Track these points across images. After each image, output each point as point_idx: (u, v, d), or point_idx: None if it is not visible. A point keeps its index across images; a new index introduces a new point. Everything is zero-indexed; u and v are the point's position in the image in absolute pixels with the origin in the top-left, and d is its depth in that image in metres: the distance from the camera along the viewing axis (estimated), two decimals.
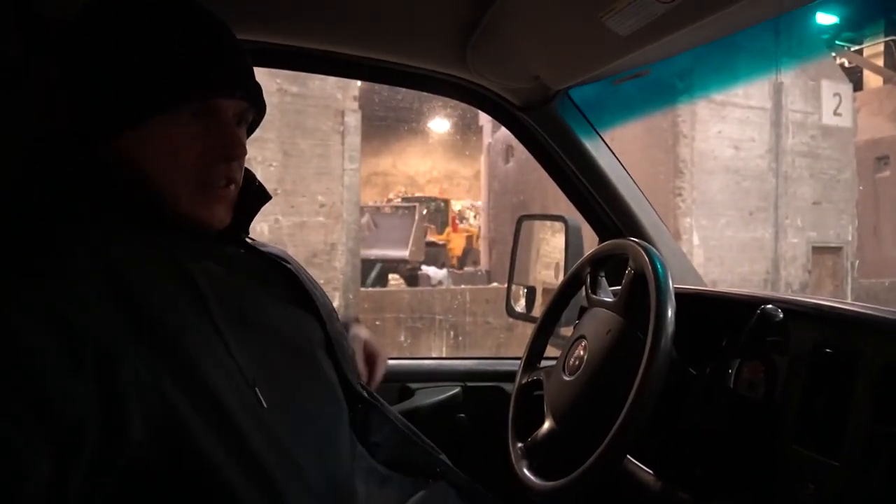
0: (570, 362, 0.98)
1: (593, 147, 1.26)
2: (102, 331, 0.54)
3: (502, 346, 7.00)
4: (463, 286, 8.63)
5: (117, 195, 0.64)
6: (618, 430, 0.76)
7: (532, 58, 1.08)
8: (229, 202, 0.72)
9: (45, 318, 0.52)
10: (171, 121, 0.65)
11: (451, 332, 7.21)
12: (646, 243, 0.93)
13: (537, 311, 1.49)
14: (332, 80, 6.88)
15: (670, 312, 0.80)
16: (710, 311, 1.02)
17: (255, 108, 0.74)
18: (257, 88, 0.73)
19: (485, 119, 12.39)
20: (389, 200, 15.86)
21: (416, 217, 10.72)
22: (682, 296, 0.84)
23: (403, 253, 10.16)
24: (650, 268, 0.85)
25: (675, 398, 0.85)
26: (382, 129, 14.23)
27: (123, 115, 0.64)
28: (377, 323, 6.62)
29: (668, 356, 0.78)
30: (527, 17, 0.94)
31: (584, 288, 1.08)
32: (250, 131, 0.78)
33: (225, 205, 0.71)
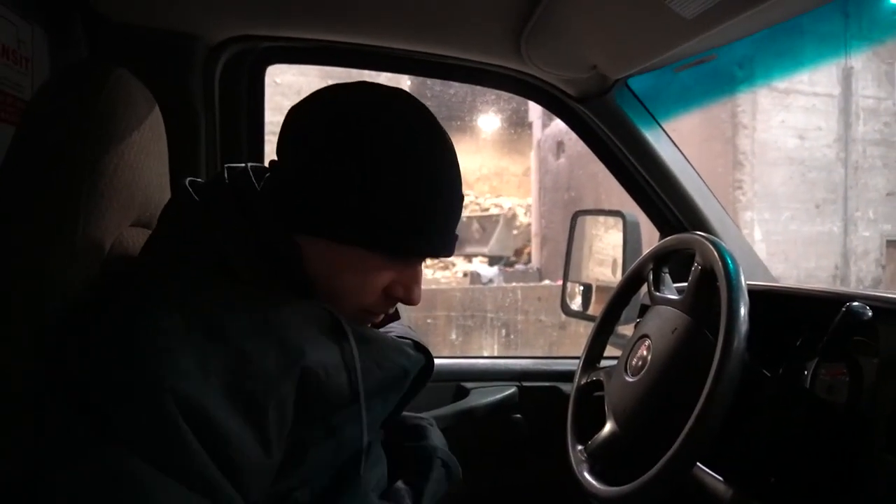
0: (633, 362, 0.94)
1: (654, 138, 1.22)
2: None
3: (555, 345, 6.90)
4: (514, 284, 8.55)
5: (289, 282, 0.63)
6: (687, 435, 0.72)
7: (590, 46, 1.04)
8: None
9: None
10: (370, 257, 0.63)
11: (503, 331, 7.15)
12: (714, 237, 0.88)
13: (593, 310, 1.45)
14: (382, 79, 6.93)
15: (743, 310, 0.75)
16: (782, 309, 0.96)
17: None
18: None
19: (534, 115, 12.24)
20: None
21: (502, 221, 13.30)
22: (752, 293, 0.79)
23: (484, 249, 12.58)
24: (720, 263, 0.81)
25: (748, 401, 0.80)
26: None
27: (338, 230, 0.62)
28: (429, 321, 6.64)
29: (742, 357, 0.73)
30: (584, 4, 0.91)
31: (646, 285, 1.04)
32: None
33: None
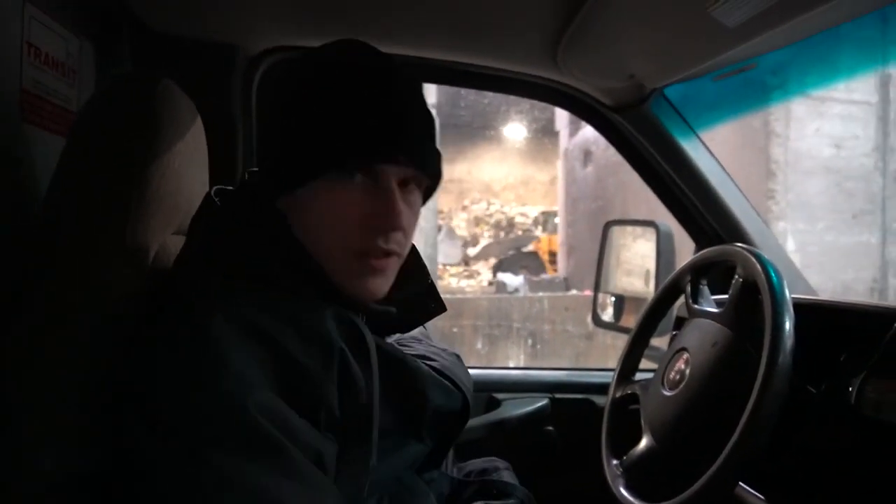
0: (671, 376, 0.92)
1: (691, 148, 1.20)
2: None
3: (581, 356, 6.82)
4: (541, 293, 8.49)
5: (284, 258, 0.63)
6: (731, 452, 0.71)
7: (628, 55, 1.03)
8: (387, 275, 0.67)
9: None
10: (331, 185, 0.63)
11: (529, 341, 7.09)
12: (756, 250, 0.86)
13: (624, 321, 1.44)
14: None
15: (788, 325, 0.73)
16: (822, 323, 0.93)
17: (425, 174, 0.68)
18: (427, 154, 0.67)
19: (562, 124, 12.19)
20: (465, 208, 16.45)
21: (444, 229, 13.65)
22: (795, 306, 0.77)
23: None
24: (763, 276, 0.79)
25: (791, 418, 0.78)
26: (458, 136, 14.32)
27: (286, 176, 0.64)
28: (454, 330, 6.62)
29: (787, 373, 0.71)
30: (624, 13, 0.90)
31: (683, 297, 1.02)
32: (426, 197, 0.73)
33: (381, 277, 0.67)
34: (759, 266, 0.81)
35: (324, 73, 0.65)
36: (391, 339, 0.77)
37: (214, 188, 0.69)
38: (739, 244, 0.91)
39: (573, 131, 11.84)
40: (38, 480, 0.55)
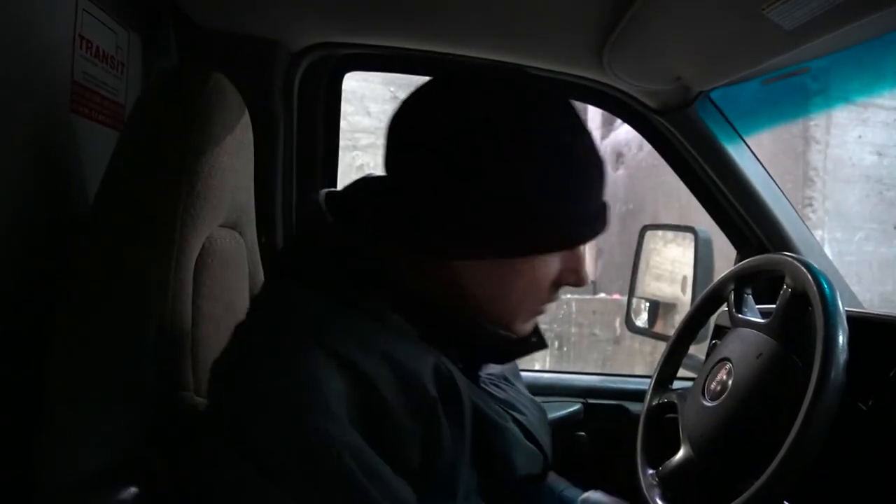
0: (712, 386, 0.90)
1: (736, 153, 1.17)
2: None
3: (609, 360, 6.74)
4: (568, 296, 8.41)
5: (435, 315, 0.60)
6: (777, 469, 0.68)
7: (676, 57, 1.01)
8: None
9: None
10: (539, 258, 0.60)
11: (556, 343, 7.03)
12: (805, 259, 0.84)
13: (658, 327, 1.41)
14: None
15: (842, 339, 0.71)
16: (875, 338, 0.90)
17: None
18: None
19: (593, 125, 12.06)
20: None
21: None
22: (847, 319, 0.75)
23: None
24: (815, 287, 0.76)
25: (838, 434, 0.75)
26: None
27: (472, 246, 0.58)
28: None
29: (840, 389, 0.69)
30: (673, 14, 0.88)
31: (725, 305, 0.99)
32: None
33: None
34: (810, 277, 0.78)
35: (525, 132, 0.56)
36: (482, 374, 0.72)
37: (325, 192, 0.64)
38: (788, 253, 0.89)
39: (605, 133, 11.70)
40: (77, 471, 0.55)
